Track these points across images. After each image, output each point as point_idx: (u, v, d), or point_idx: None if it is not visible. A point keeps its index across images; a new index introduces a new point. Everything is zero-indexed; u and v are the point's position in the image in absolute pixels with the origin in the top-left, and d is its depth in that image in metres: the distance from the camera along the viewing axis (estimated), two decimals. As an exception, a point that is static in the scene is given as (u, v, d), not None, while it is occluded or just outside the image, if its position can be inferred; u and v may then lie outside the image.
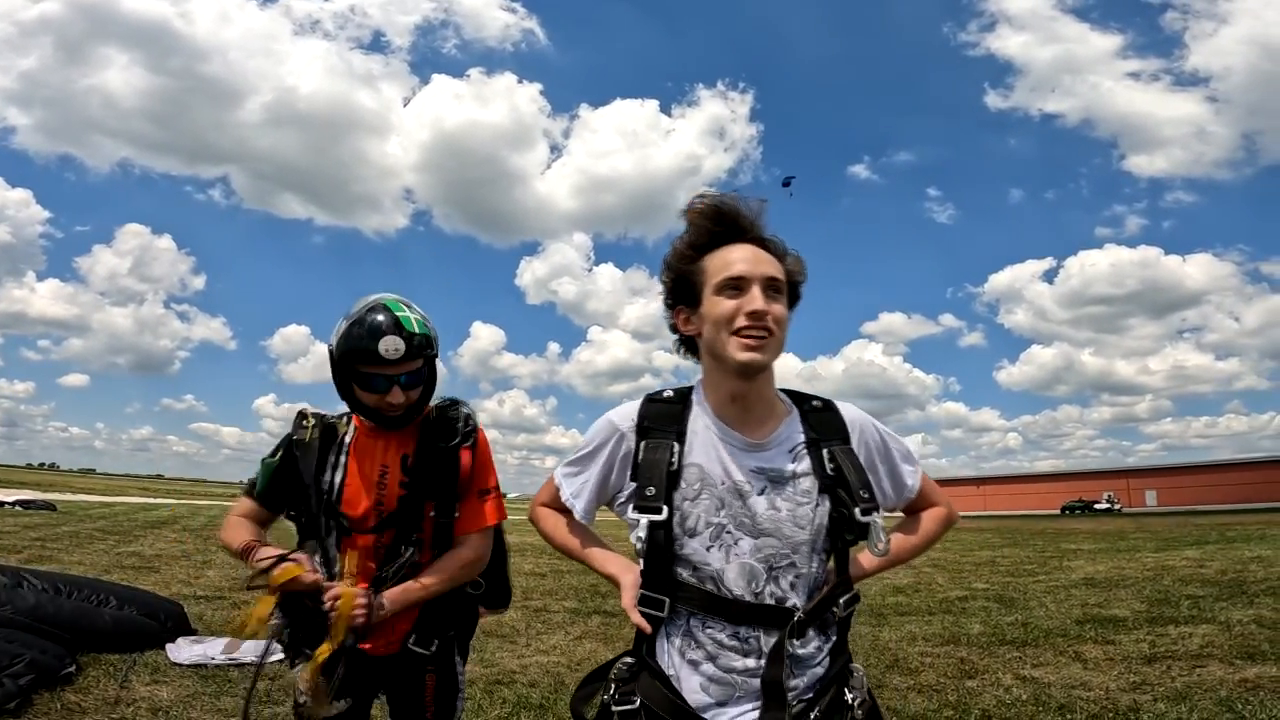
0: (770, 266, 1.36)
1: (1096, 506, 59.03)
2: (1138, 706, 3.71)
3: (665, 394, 1.47)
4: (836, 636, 1.37)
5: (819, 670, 1.32)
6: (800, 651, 1.31)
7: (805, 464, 1.36)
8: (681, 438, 1.39)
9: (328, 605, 1.61)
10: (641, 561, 1.36)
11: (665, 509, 1.32)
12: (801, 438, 1.39)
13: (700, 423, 1.41)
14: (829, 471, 1.36)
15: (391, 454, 1.80)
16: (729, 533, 1.32)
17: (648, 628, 1.32)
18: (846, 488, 1.33)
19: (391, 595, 1.70)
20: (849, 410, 1.47)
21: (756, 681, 1.28)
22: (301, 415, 1.85)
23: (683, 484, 1.34)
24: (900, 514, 1.59)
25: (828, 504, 1.34)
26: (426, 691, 1.83)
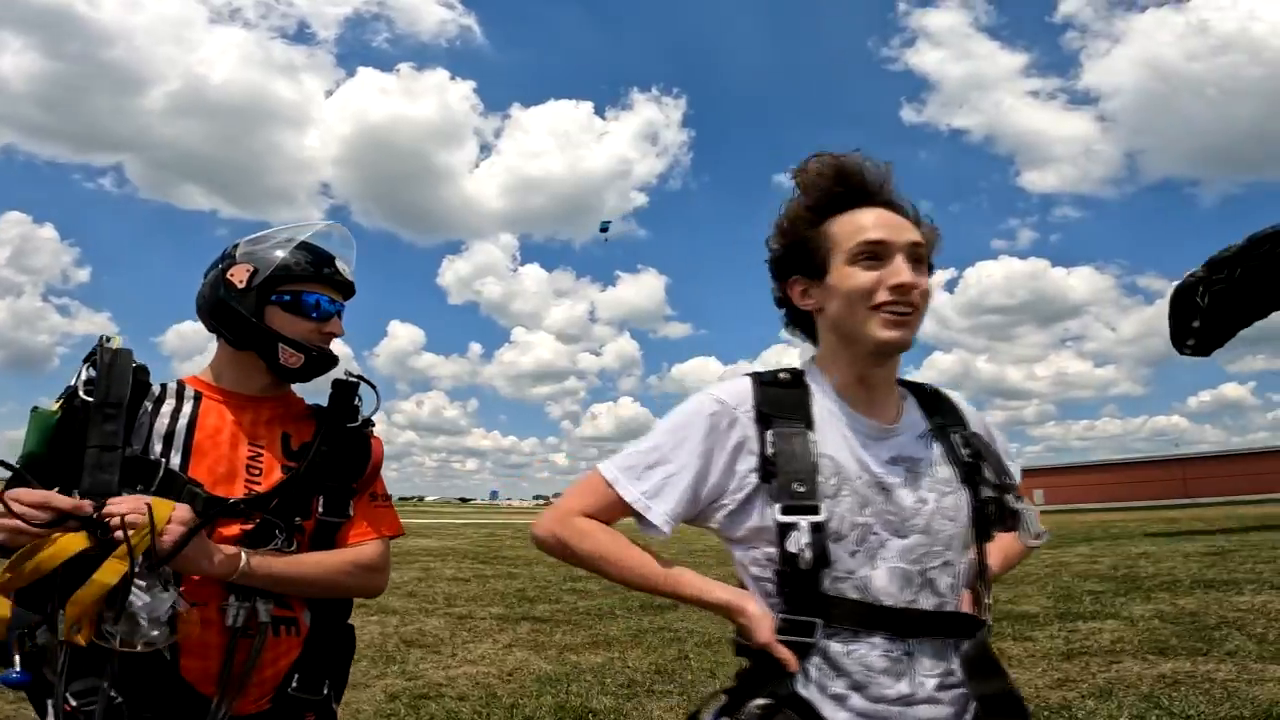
0: (912, 232, 1.18)
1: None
2: (1068, 704, 3.82)
3: (780, 375, 1.23)
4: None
5: (962, 690, 1.10)
6: (953, 667, 1.10)
7: (938, 450, 1.20)
8: (812, 425, 1.16)
9: (115, 519, 1.11)
10: (773, 583, 1.12)
11: (822, 508, 1.09)
12: (926, 423, 1.23)
13: (823, 408, 1.19)
14: (965, 458, 1.19)
15: (264, 430, 1.43)
16: (875, 534, 1.11)
17: (794, 663, 1.07)
18: (988, 473, 1.18)
19: (260, 560, 1.28)
20: (956, 396, 1.32)
21: (912, 711, 1.07)
22: (104, 347, 1.34)
23: (820, 480, 1.11)
24: None
25: (967, 493, 1.18)
26: None
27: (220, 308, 1.40)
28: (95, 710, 1.13)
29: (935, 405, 1.27)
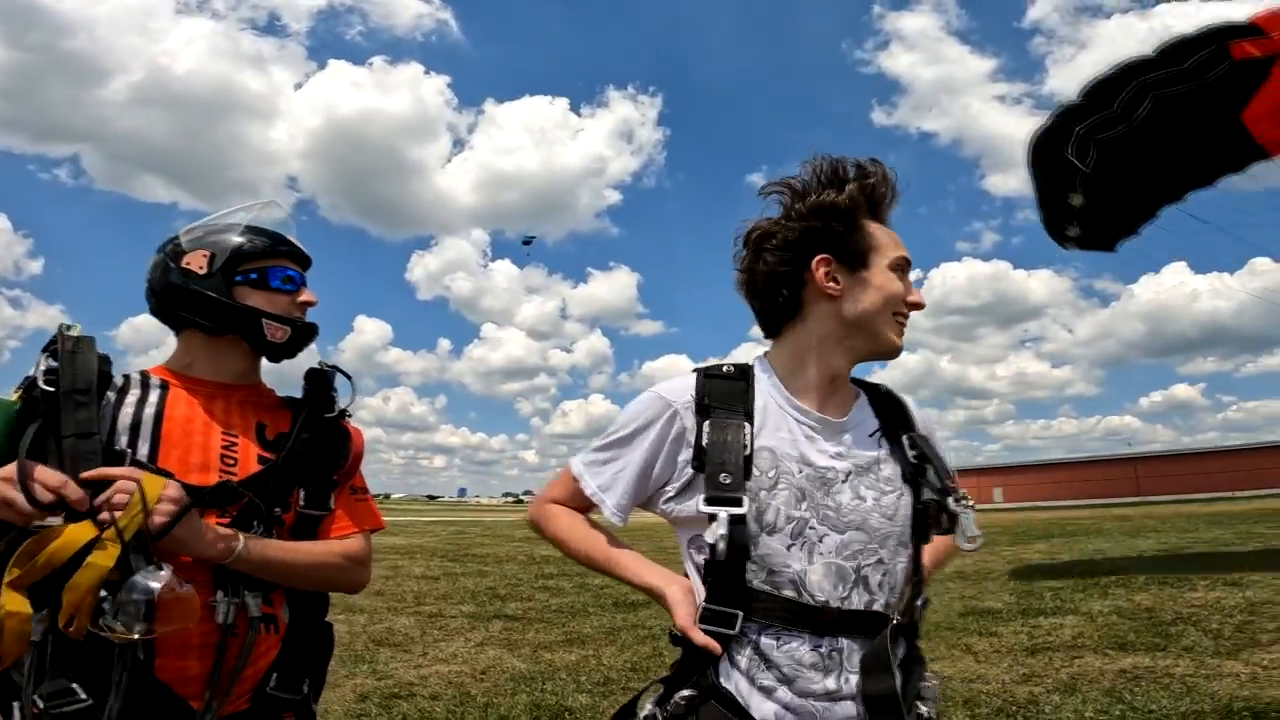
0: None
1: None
2: (1035, 699, 3.92)
3: (725, 368, 1.26)
4: (908, 647, 1.20)
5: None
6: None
7: (886, 449, 1.23)
8: (750, 418, 1.18)
9: (109, 496, 1.08)
10: (701, 570, 1.16)
11: (745, 500, 1.11)
12: (877, 422, 1.26)
13: (769, 400, 1.22)
14: (911, 458, 1.22)
15: (237, 418, 1.38)
16: (812, 529, 1.13)
17: (717, 648, 1.09)
18: (932, 476, 1.20)
19: (256, 543, 1.23)
20: (907, 399, 1.35)
21: (839, 708, 1.09)
22: (65, 335, 1.25)
23: (756, 472, 1.14)
24: None
25: (909, 494, 1.21)
26: None
27: (190, 296, 1.35)
28: (64, 712, 1.08)
29: (887, 406, 1.30)
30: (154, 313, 1.42)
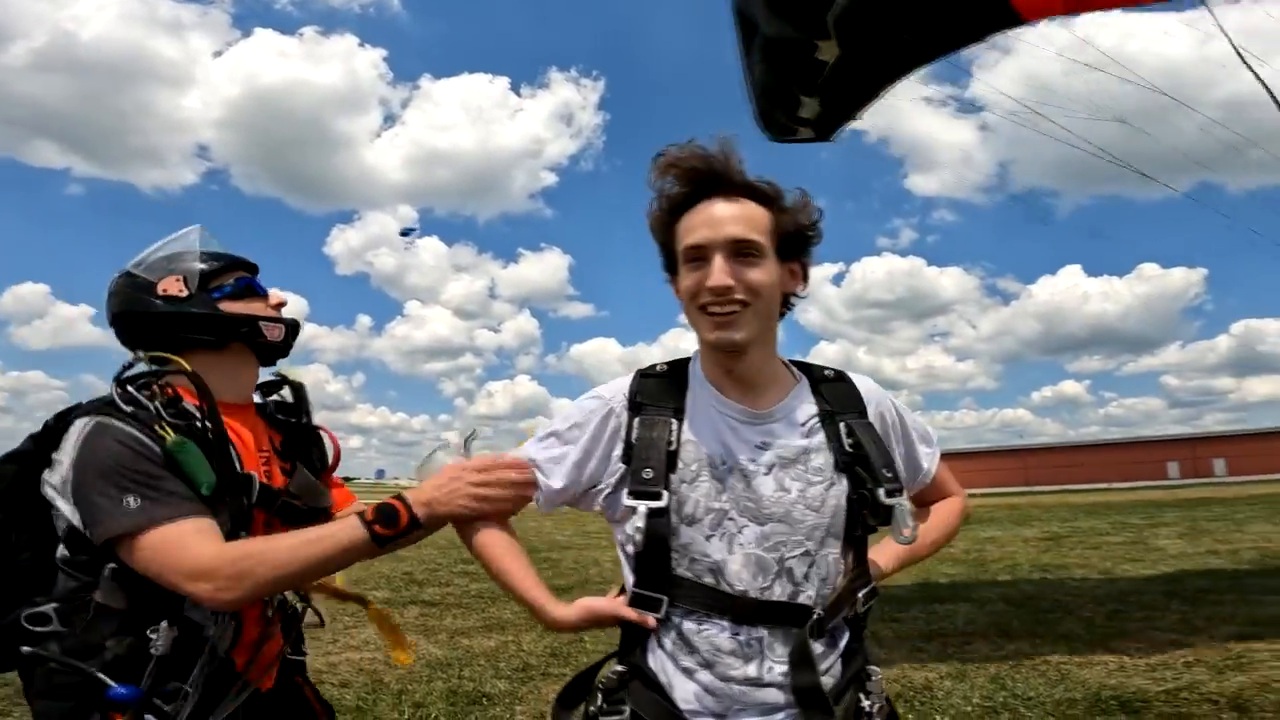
0: (736, 226, 1.18)
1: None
2: (930, 684, 4.19)
3: (658, 368, 1.30)
4: (850, 636, 1.23)
5: (829, 680, 1.17)
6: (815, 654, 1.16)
7: (819, 439, 1.23)
8: (680, 414, 1.22)
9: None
10: (633, 559, 1.20)
11: (665, 494, 1.15)
12: (814, 409, 1.26)
13: (698, 396, 1.25)
14: (847, 447, 1.21)
15: (262, 435, 1.50)
16: (731, 519, 1.17)
17: (652, 621, 1.15)
18: (868, 466, 1.19)
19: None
20: (864, 382, 1.34)
21: (759, 693, 1.14)
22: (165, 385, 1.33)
23: (680, 465, 1.18)
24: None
25: (845, 484, 1.21)
26: (312, 702, 1.55)
27: (187, 317, 1.39)
28: (176, 711, 1.20)
29: (832, 392, 1.29)
30: (135, 343, 1.42)
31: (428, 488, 1.28)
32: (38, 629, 1.21)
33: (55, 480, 1.23)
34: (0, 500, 1.26)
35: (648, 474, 1.17)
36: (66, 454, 1.22)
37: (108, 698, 1.17)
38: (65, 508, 1.21)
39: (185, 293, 1.40)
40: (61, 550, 1.24)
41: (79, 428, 1.23)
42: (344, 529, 1.24)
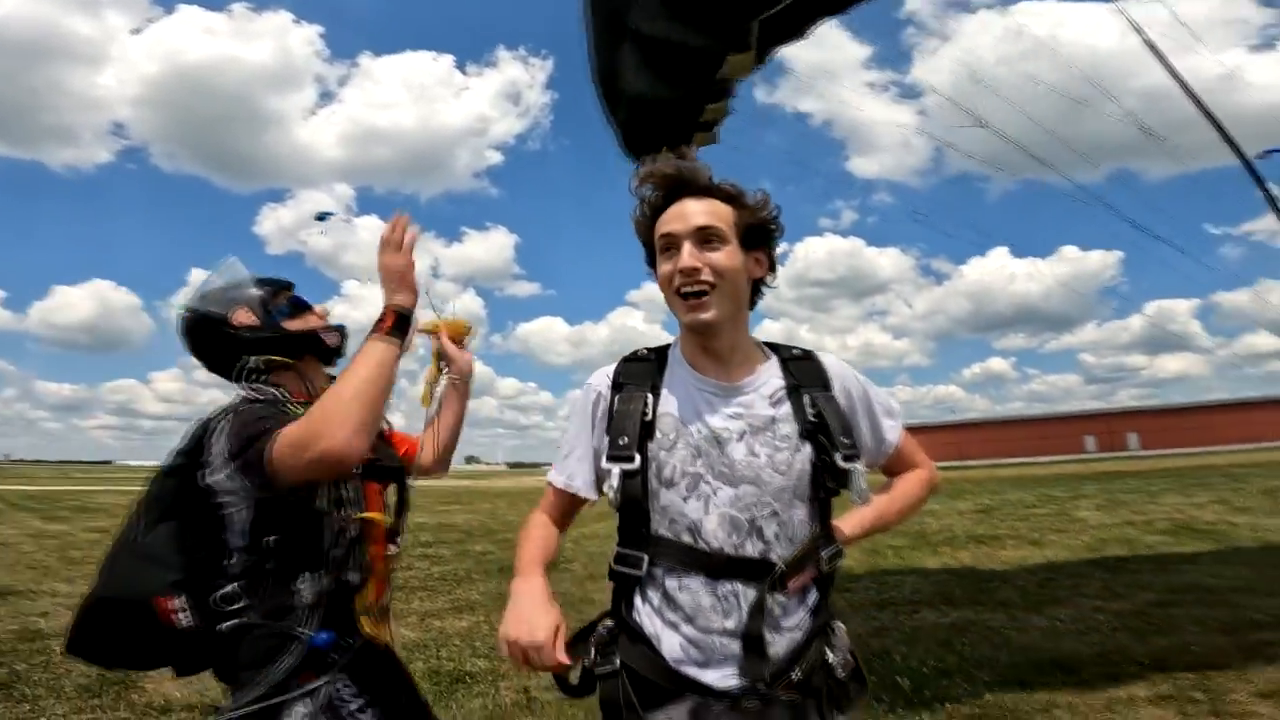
0: (702, 216, 1.35)
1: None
2: (885, 650, 4.50)
3: (640, 352, 1.46)
4: (819, 595, 1.35)
5: (798, 634, 1.29)
6: (780, 609, 1.28)
7: (785, 409, 1.36)
8: (656, 391, 1.38)
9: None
10: (617, 521, 1.33)
11: (638, 457, 1.30)
12: (781, 383, 1.39)
13: (676, 374, 1.40)
14: (810, 417, 1.34)
15: None
16: (707, 482, 1.30)
17: (567, 661, 1.22)
18: (828, 434, 1.32)
19: None
20: (829, 359, 1.47)
21: (736, 644, 1.26)
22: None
23: (658, 434, 1.33)
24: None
25: (809, 450, 1.32)
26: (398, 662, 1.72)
27: (263, 342, 1.64)
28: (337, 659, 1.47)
29: (798, 368, 1.42)
30: (223, 369, 1.65)
31: (386, 295, 1.55)
32: (230, 608, 1.43)
33: (216, 473, 1.42)
34: (173, 509, 1.46)
35: (623, 440, 1.32)
36: (218, 446, 1.42)
37: (313, 645, 1.43)
38: (235, 484, 1.41)
39: (258, 320, 1.64)
40: (238, 529, 1.46)
41: (220, 427, 1.44)
42: (365, 351, 1.47)
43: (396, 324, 1.50)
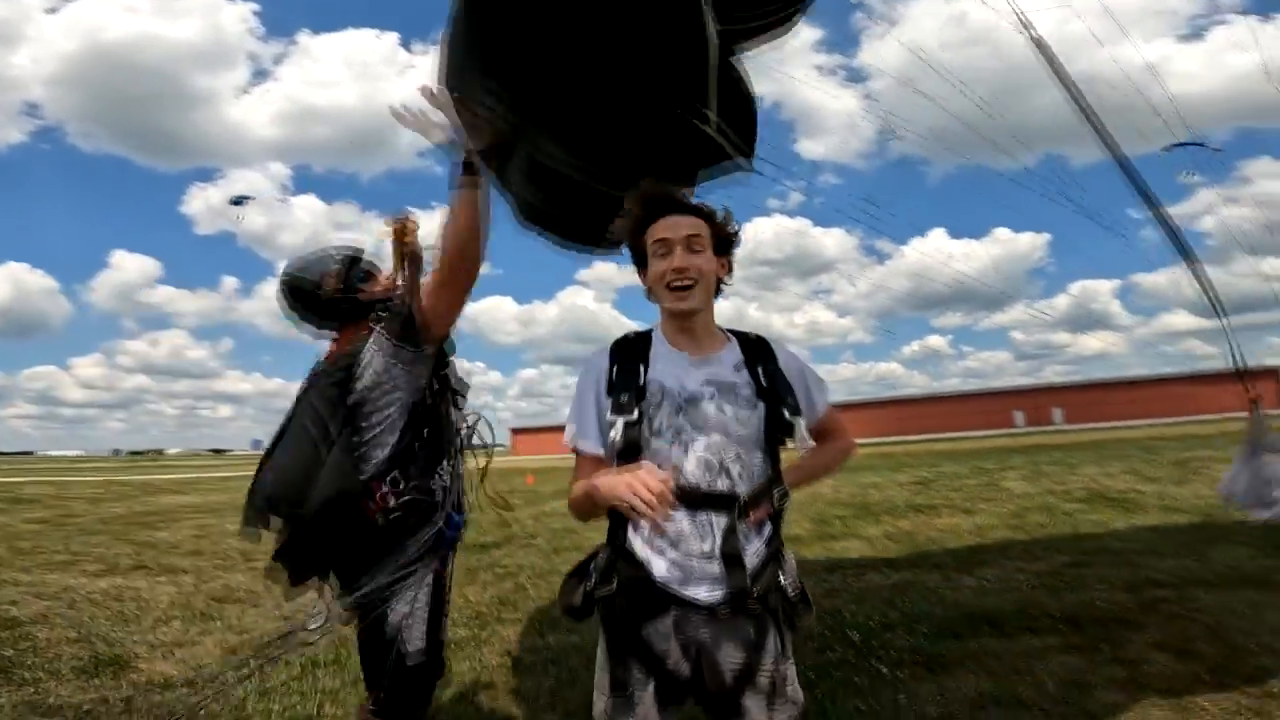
0: (689, 227, 1.71)
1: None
2: (837, 609, 4.94)
3: (630, 334, 1.81)
4: (772, 528, 1.67)
5: (755, 560, 1.59)
6: (743, 538, 1.58)
7: (744, 376, 1.70)
8: (646, 363, 1.71)
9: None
10: (617, 464, 1.60)
11: (636, 411, 1.63)
12: (740, 357, 1.76)
13: (659, 350, 1.74)
14: (763, 382, 1.69)
15: None
16: (686, 433, 1.64)
17: (670, 516, 1.45)
18: (778, 395, 1.67)
19: None
20: (776, 342, 1.86)
21: (711, 565, 1.56)
22: None
23: (649, 395, 1.66)
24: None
25: (763, 407, 1.66)
26: None
27: (349, 305, 2.25)
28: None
29: (753, 347, 1.77)
30: (323, 322, 2.31)
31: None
32: (392, 489, 1.94)
33: (366, 376, 1.99)
34: (335, 410, 1.98)
35: (624, 398, 1.64)
36: (368, 359, 2.00)
37: (452, 521, 2.02)
38: (394, 369, 2.00)
39: (340, 286, 2.24)
40: (396, 427, 1.99)
41: (369, 345, 2.04)
42: (457, 195, 2.08)
43: (466, 169, 2.11)
